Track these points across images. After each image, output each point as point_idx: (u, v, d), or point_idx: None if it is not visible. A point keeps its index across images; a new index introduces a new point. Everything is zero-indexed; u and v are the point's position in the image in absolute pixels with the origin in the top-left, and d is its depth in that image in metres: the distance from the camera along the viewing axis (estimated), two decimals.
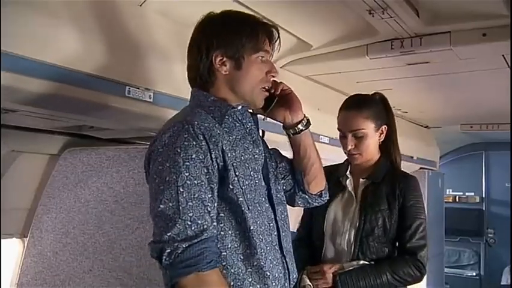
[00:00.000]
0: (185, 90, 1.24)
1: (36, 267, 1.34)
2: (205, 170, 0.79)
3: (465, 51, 1.51)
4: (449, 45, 1.46)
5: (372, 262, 1.16)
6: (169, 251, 0.75)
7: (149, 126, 1.28)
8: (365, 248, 1.17)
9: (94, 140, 1.42)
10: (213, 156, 0.80)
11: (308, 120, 1.00)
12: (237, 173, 0.83)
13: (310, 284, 1.16)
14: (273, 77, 0.91)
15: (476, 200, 4.27)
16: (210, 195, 0.79)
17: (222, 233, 0.82)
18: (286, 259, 0.91)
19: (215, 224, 0.79)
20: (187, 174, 0.77)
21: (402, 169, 1.30)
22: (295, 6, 1.30)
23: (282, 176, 1.01)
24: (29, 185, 1.41)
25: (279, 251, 0.90)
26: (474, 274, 4.17)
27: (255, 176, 0.88)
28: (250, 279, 0.82)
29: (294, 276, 0.93)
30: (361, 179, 1.24)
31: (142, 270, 1.18)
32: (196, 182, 0.77)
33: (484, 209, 4.25)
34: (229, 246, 0.82)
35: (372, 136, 1.22)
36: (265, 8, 1.27)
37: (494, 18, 1.34)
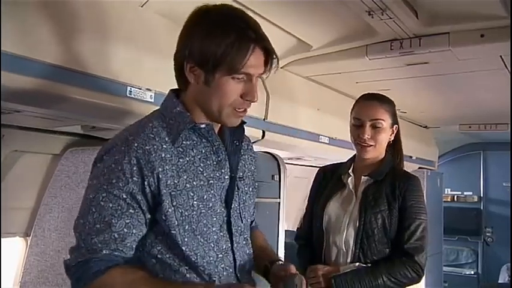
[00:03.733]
0: None
1: (39, 265, 1.35)
2: (124, 196, 0.74)
3: (463, 52, 1.52)
4: (447, 46, 1.47)
5: (370, 264, 1.15)
6: (66, 264, 0.77)
7: None
8: (366, 249, 1.16)
9: (96, 140, 1.42)
10: (146, 183, 0.75)
11: None
12: (174, 203, 0.76)
13: None
14: (250, 101, 0.79)
15: (475, 199, 4.29)
16: (127, 221, 0.75)
17: (159, 256, 0.79)
18: None
19: (121, 249, 0.75)
20: (104, 195, 0.75)
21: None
22: (295, 6, 1.31)
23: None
24: (32, 185, 1.41)
25: (236, 281, 0.84)
26: (472, 273, 4.18)
27: (202, 205, 0.79)
28: None
29: None
30: (363, 177, 1.23)
31: None
32: (110, 205, 0.74)
33: (482, 208, 4.26)
34: (167, 270, 0.78)
35: (387, 131, 1.23)
36: (265, 9, 1.27)
37: (492, 19, 1.35)
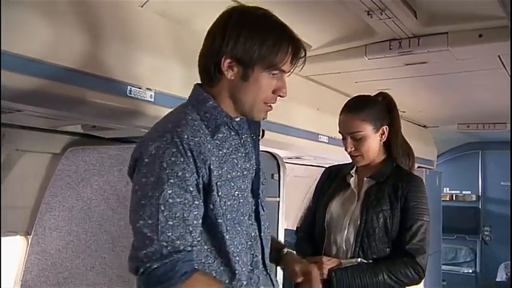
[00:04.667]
0: (185, 90, 1.26)
1: (40, 264, 1.36)
2: (191, 188, 0.76)
3: (462, 51, 1.53)
4: (446, 45, 1.48)
5: (371, 261, 1.15)
6: (142, 270, 0.74)
7: (150, 126, 1.29)
8: (366, 248, 1.15)
9: (96, 139, 1.43)
10: (200, 174, 0.77)
11: None
12: (219, 193, 0.80)
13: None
14: (281, 96, 0.86)
15: (473, 198, 4.30)
16: (195, 213, 0.77)
17: (198, 247, 0.80)
18: (271, 276, 0.91)
19: (196, 242, 0.77)
20: (170, 191, 0.74)
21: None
22: (294, 6, 1.31)
23: None
24: (33, 184, 1.41)
25: (263, 270, 0.89)
26: (470, 271, 4.20)
27: (240, 194, 0.84)
28: None
29: None
30: (365, 178, 1.24)
31: None
32: (179, 200, 0.75)
33: (480, 207, 4.28)
34: (203, 261, 0.81)
35: (372, 137, 1.21)
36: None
37: (490, 19, 1.36)
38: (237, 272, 0.82)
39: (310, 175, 2.52)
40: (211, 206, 0.80)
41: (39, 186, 1.42)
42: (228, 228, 0.82)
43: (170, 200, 0.74)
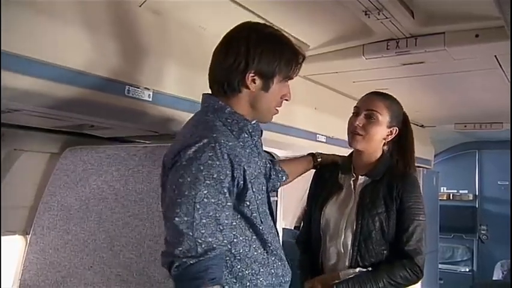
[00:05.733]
0: (183, 90, 1.27)
1: (39, 263, 1.36)
2: (224, 190, 0.82)
3: (459, 51, 1.53)
4: (443, 45, 1.49)
5: (370, 268, 1.15)
6: (177, 264, 0.79)
7: (149, 125, 1.30)
8: (364, 251, 1.15)
9: (94, 138, 1.43)
10: (235, 175, 0.84)
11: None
12: (254, 189, 0.89)
13: None
14: (286, 100, 0.96)
15: (470, 197, 4.32)
16: (227, 213, 0.83)
17: (235, 240, 0.87)
18: (286, 259, 0.99)
19: (226, 241, 0.83)
20: (205, 192, 0.80)
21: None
22: (292, 6, 1.32)
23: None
24: (31, 183, 1.42)
25: (282, 254, 0.98)
26: (467, 270, 4.23)
27: (264, 188, 0.95)
28: (261, 279, 0.90)
29: (290, 275, 1.00)
30: (360, 176, 1.22)
31: (141, 267, 1.19)
32: (213, 200, 0.81)
33: (477, 206, 4.30)
34: (241, 251, 0.88)
35: (382, 128, 1.21)
36: (262, 9, 1.29)
37: (487, 19, 1.36)
38: (274, 258, 0.93)
39: (308, 174, 2.52)
40: (248, 203, 0.88)
41: (38, 185, 1.42)
42: (262, 220, 0.91)
43: (205, 200, 0.80)
